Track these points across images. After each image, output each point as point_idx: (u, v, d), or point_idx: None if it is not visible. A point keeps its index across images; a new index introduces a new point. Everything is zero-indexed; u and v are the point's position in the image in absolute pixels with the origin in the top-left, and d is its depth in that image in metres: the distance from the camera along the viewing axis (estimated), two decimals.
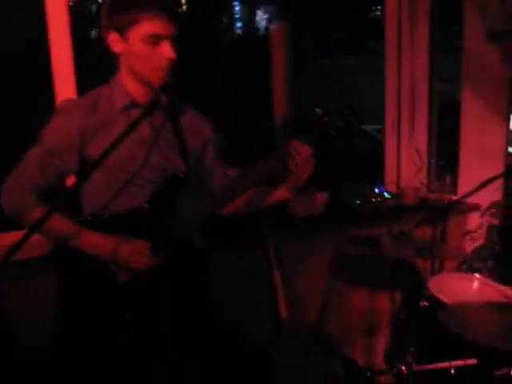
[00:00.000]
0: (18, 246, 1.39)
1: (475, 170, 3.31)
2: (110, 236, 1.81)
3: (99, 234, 1.81)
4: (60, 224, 1.79)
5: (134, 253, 1.80)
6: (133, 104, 1.86)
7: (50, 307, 1.90)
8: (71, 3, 2.72)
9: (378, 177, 3.61)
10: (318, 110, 1.84)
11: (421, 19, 3.45)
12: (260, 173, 1.86)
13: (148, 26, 1.74)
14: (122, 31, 1.77)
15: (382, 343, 3.21)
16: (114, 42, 1.80)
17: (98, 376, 1.81)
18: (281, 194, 2.00)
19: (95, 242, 1.81)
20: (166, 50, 1.77)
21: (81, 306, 1.84)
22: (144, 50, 1.77)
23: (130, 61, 1.83)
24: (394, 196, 3.40)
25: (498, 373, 1.95)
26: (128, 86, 1.87)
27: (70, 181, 1.98)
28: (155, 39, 1.76)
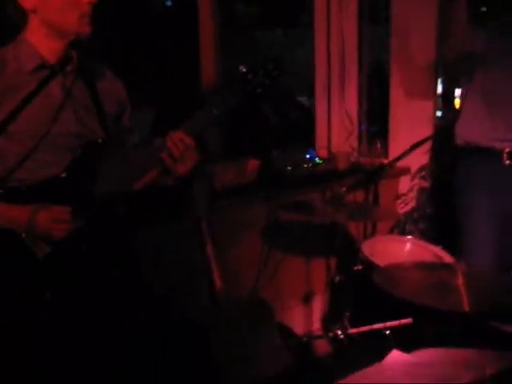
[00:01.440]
0: None
1: (405, 135, 3.35)
2: (24, 206, 1.68)
3: (12, 205, 1.68)
4: None
5: (53, 219, 1.68)
6: (43, 65, 1.72)
7: None
8: None
9: (308, 143, 3.59)
10: (241, 67, 1.76)
11: None
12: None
13: None
14: None
15: (318, 309, 3.22)
16: None
17: (17, 354, 1.70)
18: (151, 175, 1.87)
19: (8, 214, 1.68)
20: None
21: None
22: None
23: (46, 15, 1.68)
24: (326, 161, 3.38)
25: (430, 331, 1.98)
26: (39, 45, 1.72)
27: None
28: None
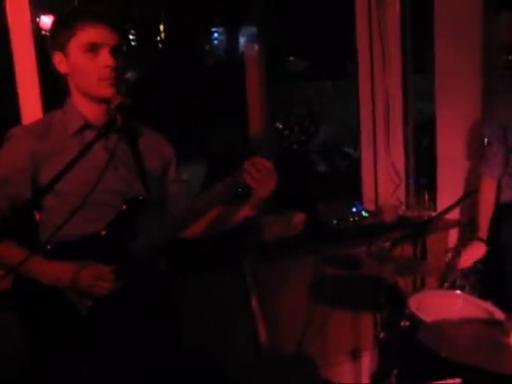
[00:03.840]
0: None
1: (453, 186, 3.30)
2: (68, 263, 1.74)
3: (57, 262, 1.74)
4: (13, 252, 1.72)
5: (96, 278, 1.73)
6: (86, 126, 1.81)
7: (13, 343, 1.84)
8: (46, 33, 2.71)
9: (355, 195, 3.58)
10: (278, 123, 1.79)
11: (391, 40, 3.48)
12: (221, 191, 1.80)
13: (83, 35, 1.73)
14: (63, 48, 1.76)
15: (365, 365, 3.14)
16: (60, 62, 1.78)
17: None
18: (244, 212, 1.95)
19: (54, 270, 1.74)
20: (105, 58, 1.74)
21: (43, 341, 1.77)
22: (84, 61, 1.74)
23: (75, 78, 1.79)
24: (372, 214, 3.36)
25: None
26: (81, 107, 1.82)
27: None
28: (92, 48, 1.73)
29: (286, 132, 1.76)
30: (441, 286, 2.96)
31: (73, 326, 1.74)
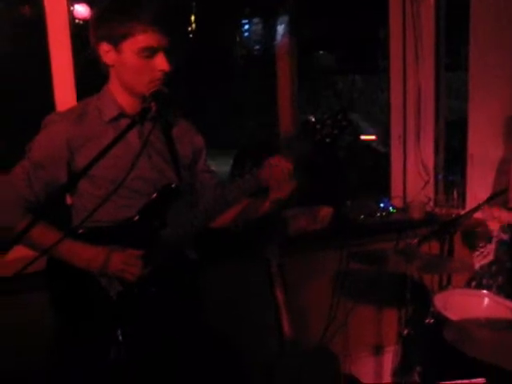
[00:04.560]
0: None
1: (483, 185, 3.26)
2: (99, 247, 1.78)
3: (89, 245, 1.78)
4: (47, 235, 1.76)
5: (125, 262, 1.76)
6: (122, 115, 1.84)
7: (44, 323, 1.87)
8: (80, 22, 2.75)
9: (384, 191, 3.57)
10: (311, 117, 1.78)
11: (425, 35, 3.44)
12: (249, 184, 1.81)
13: (142, 38, 1.72)
14: (116, 43, 1.75)
15: (388, 361, 3.14)
16: (106, 52, 1.78)
17: None
18: (265, 207, 1.95)
19: (86, 254, 1.78)
20: (161, 62, 1.75)
21: (73, 322, 1.81)
22: (138, 62, 1.74)
23: (121, 72, 1.80)
24: (400, 210, 3.34)
25: None
26: (117, 96, 1.85)
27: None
28: (149, 52, 1.74)
29: (318, 126, 1.75)
30: (471, 248, 2.92)
31: (103, 309, 1.78)
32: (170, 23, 1.77)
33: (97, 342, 1.78)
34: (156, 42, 1.73)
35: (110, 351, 1.75)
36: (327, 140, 1.75)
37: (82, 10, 2.87)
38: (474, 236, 2.91)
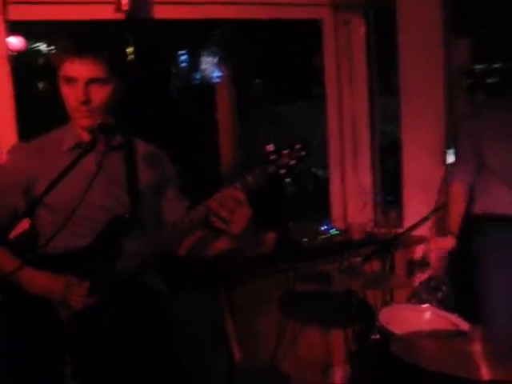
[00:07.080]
0: None
1: (419, 204, 3.40)
2: (48, 275, 1.81)
3: (41, 273, 1.80)
4: (5, 260, 1.81)
5: (68, 291, 1.77)
6: (80, 144, 1.87)
7: None
8: (13, 53, 2.72)
9: (325, 214, 3.65)
10: (268, 146, 1.70)
11: (358, 64, 3.59)
12: (199, 216, 1.79)
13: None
14: (57, 73, 1.84)
15: (337, 379, 3.19)
16: (59, 85, 1.85)
17: None
18: (223, 244, 1.93)
19: (37, 281, 1.80)
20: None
21: (24, 344, 1.79)
22: (64, 91, 1.83)
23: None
24: (342, 232, 3.44)
25: None
26: (76, 126, 1.89)
27: None
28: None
29: (273, 156, 1.71)
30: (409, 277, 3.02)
31: (55, 332, 1.78)
32: (95, 53, 1.78)
33: (47, 366, 1.77)
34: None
35: (60, 375, 1.72)
36: (281, 172, 1.71)
37: (15, 42, 2.85)
38: (412, 265, 3.01)
